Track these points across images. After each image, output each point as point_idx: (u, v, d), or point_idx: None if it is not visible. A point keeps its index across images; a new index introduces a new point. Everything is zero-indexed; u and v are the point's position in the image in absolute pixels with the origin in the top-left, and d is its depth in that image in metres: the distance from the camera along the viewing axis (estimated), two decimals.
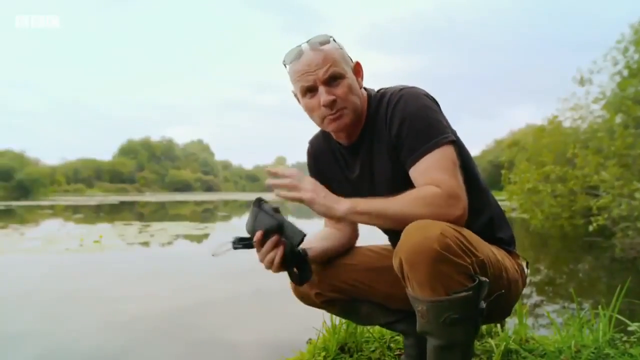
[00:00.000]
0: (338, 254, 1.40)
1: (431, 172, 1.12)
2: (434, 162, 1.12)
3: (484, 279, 1.04)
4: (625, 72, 9.13)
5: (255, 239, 1.14)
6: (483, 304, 1.04)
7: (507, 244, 1.31)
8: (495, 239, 1.27)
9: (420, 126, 1.15)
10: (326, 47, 1.19)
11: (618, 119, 8.95)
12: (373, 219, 1.10)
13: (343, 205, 1.10)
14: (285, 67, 1.24)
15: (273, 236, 1.14)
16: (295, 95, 1.28)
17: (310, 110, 1.23)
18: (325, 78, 1.17)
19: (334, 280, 1.37)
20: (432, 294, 1.01)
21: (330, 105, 1.17)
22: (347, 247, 1.43)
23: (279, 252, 1.14)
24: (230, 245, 1.17)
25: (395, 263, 1.07)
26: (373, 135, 1.25)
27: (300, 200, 1.12)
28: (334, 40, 1.21)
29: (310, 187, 1.13)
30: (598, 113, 10.53)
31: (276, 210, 1.15)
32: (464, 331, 1.06)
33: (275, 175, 1.15)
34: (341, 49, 1.23)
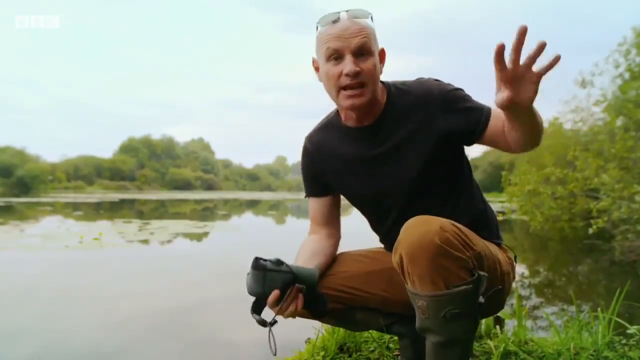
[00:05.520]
0: (330, 264, 1.37)
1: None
2: (501, 113, 1.11)
3: (483, 273, 1.05)
4: (627, 75, 9.10)
5: (271, 300, 1.08)
6: (482, 299, 1.05)
7: (496, 237, 1.33)
8: (486, 232, 1.28)
9: (472, 100, 1.21)
10: (363, 21, 1.17)
11: (619, 121, 8.94)
12: (528, 115, 0.99)
13: None
14: (317, 29, 1.20)
15: (289, 289, 1.09)
16: (314, 63, 1.24)
17: (328, 78, 1.17)
18: (355, 48, 1.13)
19: (329, 290, 1.31)
20: (433, 288, 1.02)
21: (353, 76, 1.13)
22: (335, 253, 1.41)
23: (299, 302, 1.11)
24: (268, 328, 1.10)
25: (395, 259, 1.07)
26: (407, 117, 1.23)
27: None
28: (371, 19, 1.19)
29: None
30: (599, 115, 10.52)
31: (279, 262, 1.09)
32: (463, 327, 1.06)
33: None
34: (374, 30, 1.21)
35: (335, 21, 1.16)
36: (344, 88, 1.16)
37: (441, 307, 1.02)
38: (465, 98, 1.21)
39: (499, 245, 1.32)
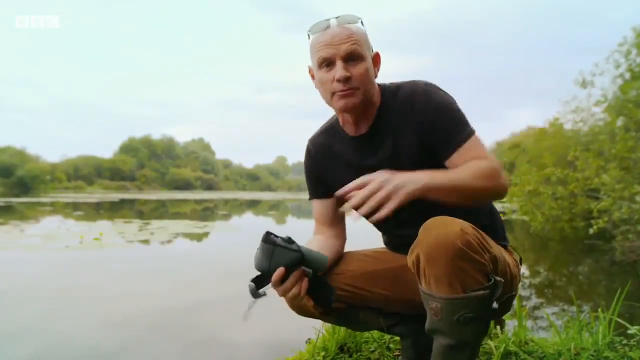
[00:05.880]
0: (334, 263, 1.37)
1: (475, 154, 1.16)
2: (474, 146, 1.17)
3: (499, 278, 1.04)
4: (627, 75, 9.13)
5: (275, 277, 1.06)
6: (496, 305, 1.04)
7: (502, 239, 1.33)
8: (492, 234, 1.27)
9: (454, 118, 1.19)
10: (353, 26, 1.18)
11: (619, 122, 8.96)
12: (446, 194, 1.04)
13: (422, 179, 1.01)
14: (309, 37, 1.23)
15: (295, 269, 1.07)
16: (310, 71, 1.27)
17: (322, 84, 1.21)
18: (345, 54, 1.15)
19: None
20: (449, 291, 1.01)
21: (344, 81, 1.15)
22: (342, 252, 1.41)
23: (303, 284, 1.10)
24: (252, 299, 1.07)
25: (411, 259, 1.07)
26: (394, 123, 1.23)
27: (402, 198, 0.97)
28: (362, 23, 1.21)
29: (390, 178, 0.99)
30: (599, 116, 10.57)
31: (290, 240, 1.07)
32: (475, 331, 1.06)
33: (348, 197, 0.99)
34: (366, 34, 1.22)
35: (325, 29, 1.18)
36: (337, 93, 1.18)
37: (456, 310, 1.02)
38: (450, 116, 1.18)
39: (505, 247, 1.31)
